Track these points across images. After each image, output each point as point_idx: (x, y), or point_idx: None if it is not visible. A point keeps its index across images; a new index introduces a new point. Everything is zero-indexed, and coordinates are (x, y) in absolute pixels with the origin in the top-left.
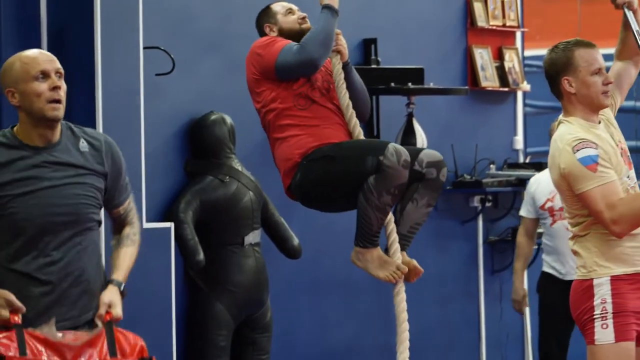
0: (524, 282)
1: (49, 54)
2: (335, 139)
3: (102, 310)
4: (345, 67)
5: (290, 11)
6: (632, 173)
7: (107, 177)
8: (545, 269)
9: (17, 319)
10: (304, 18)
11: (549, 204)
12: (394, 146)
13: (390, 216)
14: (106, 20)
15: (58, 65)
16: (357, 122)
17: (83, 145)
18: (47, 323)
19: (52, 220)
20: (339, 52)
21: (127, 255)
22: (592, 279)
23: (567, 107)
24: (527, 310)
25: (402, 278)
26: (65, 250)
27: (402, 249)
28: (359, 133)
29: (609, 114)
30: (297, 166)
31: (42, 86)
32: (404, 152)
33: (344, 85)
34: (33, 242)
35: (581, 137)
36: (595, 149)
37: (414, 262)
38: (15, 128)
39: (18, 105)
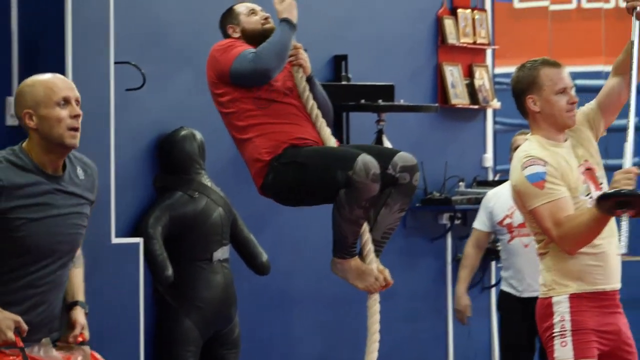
0: (467, 291)
1: (69, 80)
2: (300, 134)
3: (78, 331)
4: (308, 80)
5: (253, 12)
6: (598, 193)
7: (92, 204)
8: (503, 287)
9: (21, 342)
10: (266, 18)
11: (507, 220)
12: (363, 160)
13: (365, 225)
14: (77, 35)
15: (77, 93)
16: (328, 130)
17: (80, 173)
18: (39, 344)
19: (54, 248)
20: (300, 66)
21: (81, 276)
22: (551, 297)
23: (532, 125)
24: (495, 328)
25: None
26: (53, 277)
27: (376, 254)
28: (328, 134)
29: (582, 133)
30: (267, 166)
31: (64, 113)
32: (373, 165)
33: (311, 97)
34: (29, 265)
35: (531, 154)
36: (543, 166)
37: (387, 272)
38: (24, 146)
39: (34, 128)
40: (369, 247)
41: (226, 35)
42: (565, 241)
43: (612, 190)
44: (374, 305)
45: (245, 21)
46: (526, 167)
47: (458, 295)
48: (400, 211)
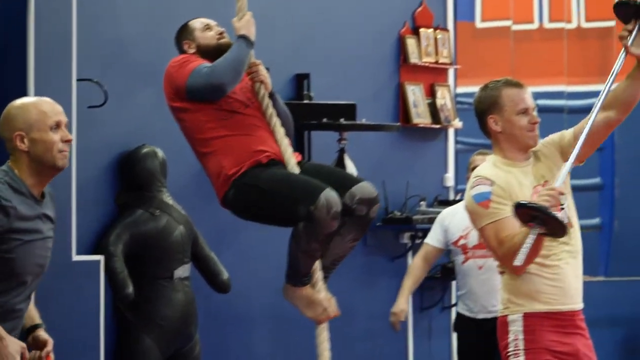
0: (407, 299)
1: (57, 104)
2: (261, 146)
3: (50, 347)
4: (270, 96)
5: (208, 27)
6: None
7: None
8: (459, 309)
9: None
10: (221, 33)
11: (462, 241)
12: (326, 196)
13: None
14: (39, 52)
15: (66, 117)
16: (287, 141)
17: (47, 197)
18: None
19: (34, 271)
20: (262, 82)
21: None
22: (507, 316)
23: (494, 145)
24: (455, 348)
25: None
26: (27, 301)
27: (324, 280)
28: (288, 147)
29: (551, 155)
30: (228, 180)
31: (56, 136)
32: (335, 202)
33: (274, 113)
34: (13, 289)
35: (480, 174)
36: (489, 186)
37: (333, 301)
38: (12, 166)
39: (25, 151)
40: (318, 275)
41: (182, 51)
42: (508, 260)
43: (526, 202)
44: (323, 332)
45: (200, 36)
46: (473, 187)
47: (398, 300)
48: (352, 241)
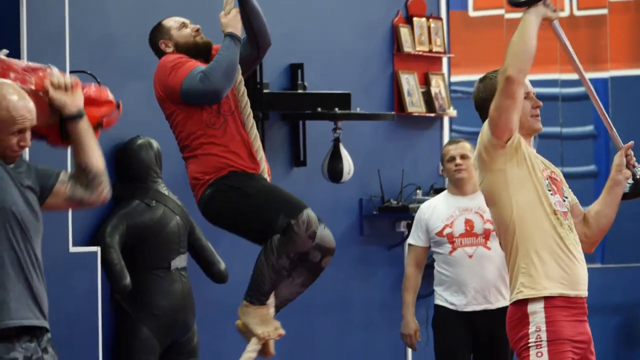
0: (414, 315)
1: (31, 104)
2: (242, 164)
3: None
4: None
5: (184, 25)
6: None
7: None
8: (440, 302)
9: None
10: (197, 30)
11: (447, 230)
12: (308, 213)
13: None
14: (32, 45)
15: (33, 122)
16: (260, 147)
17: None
18: None
19: None
20: None
21: None
22: (526, 306)
23: None
24: None
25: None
26: None
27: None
28: (259, 147)
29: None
30: (208, 181)
31: (14, 140)
32: (315, 222)
33: (249, 106)
34: None
35: None
36: None
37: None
38: None
39: None
40: (271, 300)
41: (158, 51)
42: (508, 68)
43: None
44: (252, 353)
45: (177, 35)
46: None
47: (407, 319)
48: (301, 286)
